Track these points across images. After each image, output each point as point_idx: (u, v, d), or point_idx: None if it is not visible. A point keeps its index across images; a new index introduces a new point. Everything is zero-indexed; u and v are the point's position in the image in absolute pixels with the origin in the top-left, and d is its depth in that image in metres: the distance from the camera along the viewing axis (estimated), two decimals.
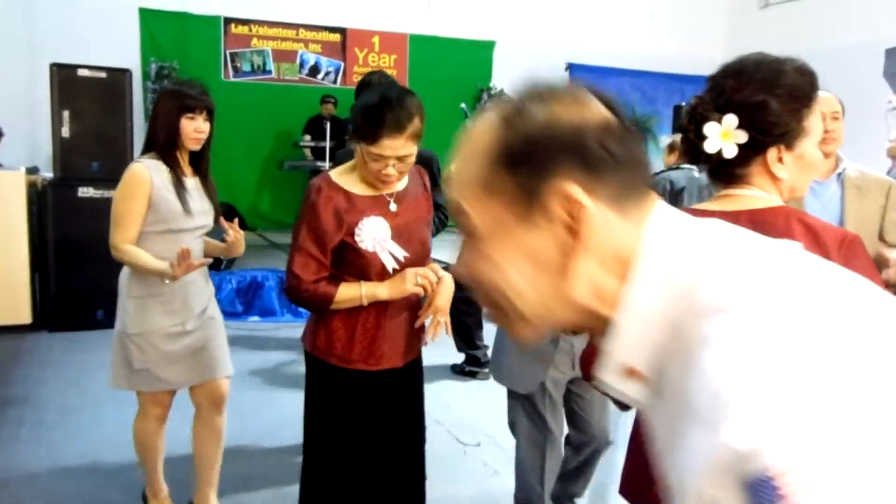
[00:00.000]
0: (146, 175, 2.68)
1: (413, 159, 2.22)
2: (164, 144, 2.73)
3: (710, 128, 1.42)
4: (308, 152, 9.40)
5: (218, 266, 5.88)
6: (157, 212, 2.70)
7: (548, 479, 2.85)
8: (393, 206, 2.25)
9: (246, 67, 9.68)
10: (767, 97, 1.38)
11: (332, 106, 9.44)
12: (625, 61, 11.07)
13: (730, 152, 1.41)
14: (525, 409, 2.78)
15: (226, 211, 3.08)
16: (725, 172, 1.48)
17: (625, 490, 1.62)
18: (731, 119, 1.40)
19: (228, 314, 5.16)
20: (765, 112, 1.38)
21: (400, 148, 2.13)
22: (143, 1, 9.02)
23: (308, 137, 9.33)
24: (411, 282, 2.21)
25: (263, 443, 3.91)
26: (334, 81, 10.12)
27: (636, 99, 10.48)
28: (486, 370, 5.12)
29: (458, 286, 2.39)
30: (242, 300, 6.56)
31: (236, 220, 2.84)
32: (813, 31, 10.34)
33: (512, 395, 2.82)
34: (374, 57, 10.31)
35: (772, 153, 1.41)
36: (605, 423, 2.88)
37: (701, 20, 11.91)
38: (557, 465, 2.88)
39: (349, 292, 2.18)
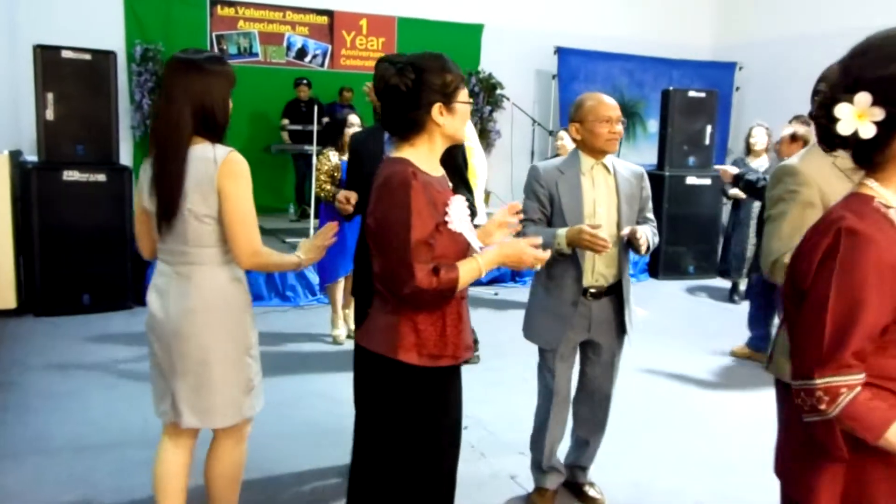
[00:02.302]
0: None
1: None
2: (223, 128, 2.43)
3: (841, 109, 1.37)
4: (286, 136, 9.35)
5: None
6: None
7: (552, 434, 3.13)
8: (450, 184, 2.16)
9: (232, 50, 9.59)
10: None
11: (306, 88, 9.37)
12: (613, 45, 11.04)
13: (867, 132, 1.36)
14: (542, 366, 3.11)
15: None
16: (865, 158, 1.43)
17: (779, 470, 1.63)
18: (864, 97, 1.35)
19: None
20: None
21: None
22: None
23: (286, 121, 9.30)
24: (527, 251, 2.11)
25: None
26: (322, 64, 10.05)
27: (624, 83, 10.53)
28: (478, 353, 5.16)
29: None
30: None
31: None
32: (800, 16, 10.35)
33: (539, 353, 3.11)
34: (362, 40, 10.24)
35: None
36: (609, 384, 3.12)
37: (689, 5, 11.89)
38: (563, 420, 3.15)
39: (467, 268, 2.01)
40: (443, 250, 2.00)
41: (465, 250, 2.06)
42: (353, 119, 5.24)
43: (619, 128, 2.88)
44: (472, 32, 10.60)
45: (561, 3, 10.96)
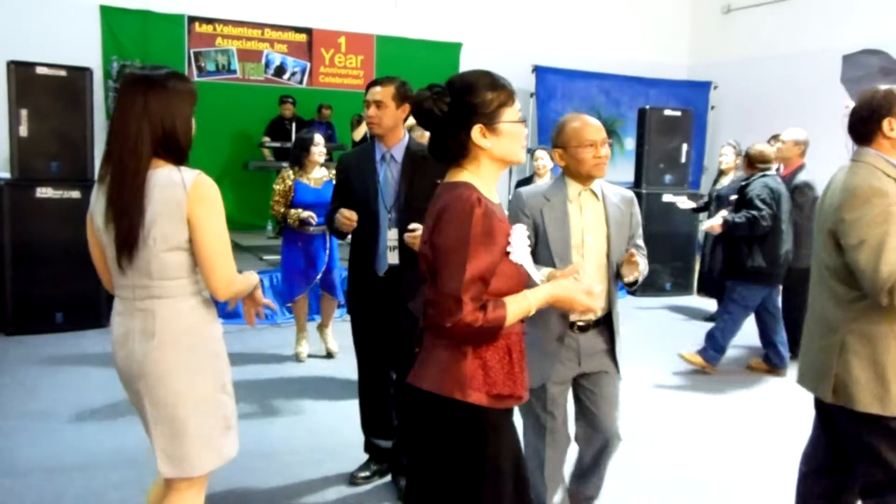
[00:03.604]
0: None
1: None
2: (185, 150, 2.21)
3: None
4: (266, 153, 9.34)
5: None
6: None
7: (550, 473, 2.89)
8: (506, 213, 2.00)
9: (210, 67, 9.56)
10: None
11: (291, 106, 9.40)
12: (590, 64, 11.15)
13: None
14: (528, 403, 2.81)
15: None
16: None
17: None
18: None
19: None
20: None
21: None
22: None
23: (267, 139, 9.28)
24: (580, 298, 1.98)
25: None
26: (300, 82, 10.05)
27: (602, 102, 10.59)
28: None
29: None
30: None
31: None
32: (773, 37, 10.52)
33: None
34: (341, 58, 10.25)
35: None
36: (613, 418, 2.91)
37: (665, 25, 12.05)
38: (562, 459, 2.93)
39: (516, 305, 1.87)
40: (505, 282, 1.86)
41: (524, 282, 1.93)
42: (318, 139, 5.31)
43: (606, 150, 2.70)
44: (451, 51, 10.66)
45: (539, 22, 11.07)
